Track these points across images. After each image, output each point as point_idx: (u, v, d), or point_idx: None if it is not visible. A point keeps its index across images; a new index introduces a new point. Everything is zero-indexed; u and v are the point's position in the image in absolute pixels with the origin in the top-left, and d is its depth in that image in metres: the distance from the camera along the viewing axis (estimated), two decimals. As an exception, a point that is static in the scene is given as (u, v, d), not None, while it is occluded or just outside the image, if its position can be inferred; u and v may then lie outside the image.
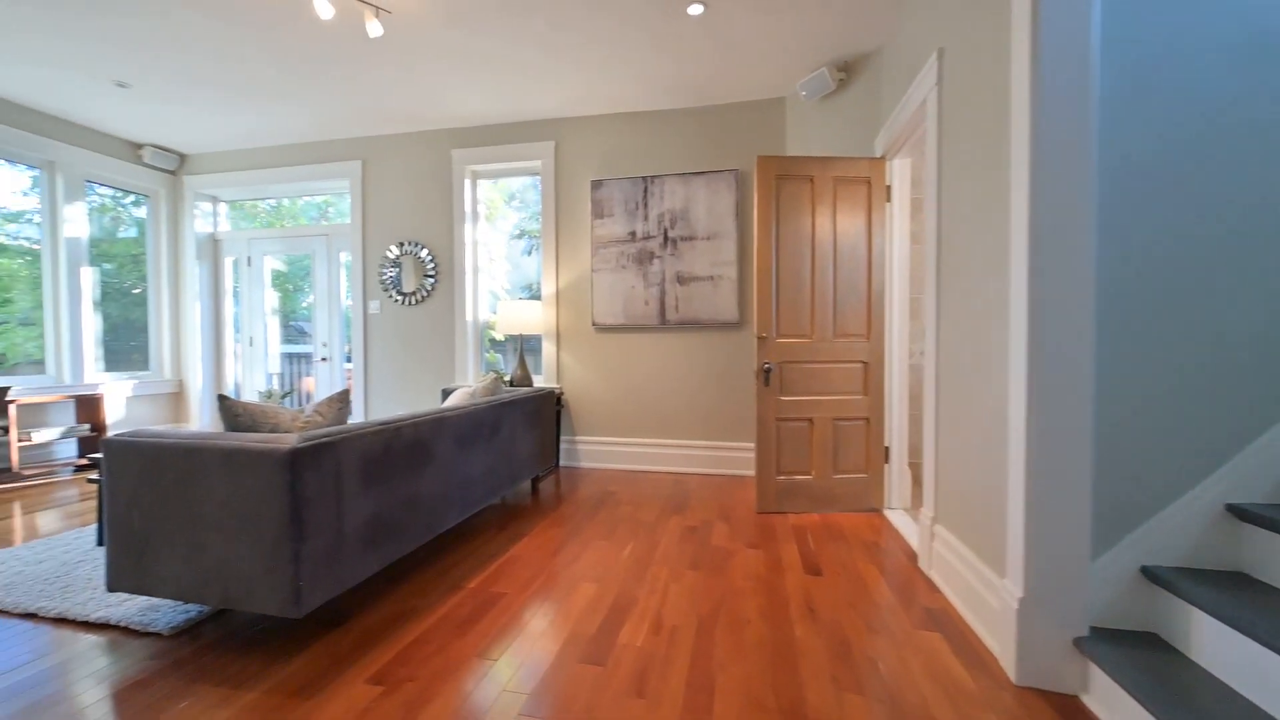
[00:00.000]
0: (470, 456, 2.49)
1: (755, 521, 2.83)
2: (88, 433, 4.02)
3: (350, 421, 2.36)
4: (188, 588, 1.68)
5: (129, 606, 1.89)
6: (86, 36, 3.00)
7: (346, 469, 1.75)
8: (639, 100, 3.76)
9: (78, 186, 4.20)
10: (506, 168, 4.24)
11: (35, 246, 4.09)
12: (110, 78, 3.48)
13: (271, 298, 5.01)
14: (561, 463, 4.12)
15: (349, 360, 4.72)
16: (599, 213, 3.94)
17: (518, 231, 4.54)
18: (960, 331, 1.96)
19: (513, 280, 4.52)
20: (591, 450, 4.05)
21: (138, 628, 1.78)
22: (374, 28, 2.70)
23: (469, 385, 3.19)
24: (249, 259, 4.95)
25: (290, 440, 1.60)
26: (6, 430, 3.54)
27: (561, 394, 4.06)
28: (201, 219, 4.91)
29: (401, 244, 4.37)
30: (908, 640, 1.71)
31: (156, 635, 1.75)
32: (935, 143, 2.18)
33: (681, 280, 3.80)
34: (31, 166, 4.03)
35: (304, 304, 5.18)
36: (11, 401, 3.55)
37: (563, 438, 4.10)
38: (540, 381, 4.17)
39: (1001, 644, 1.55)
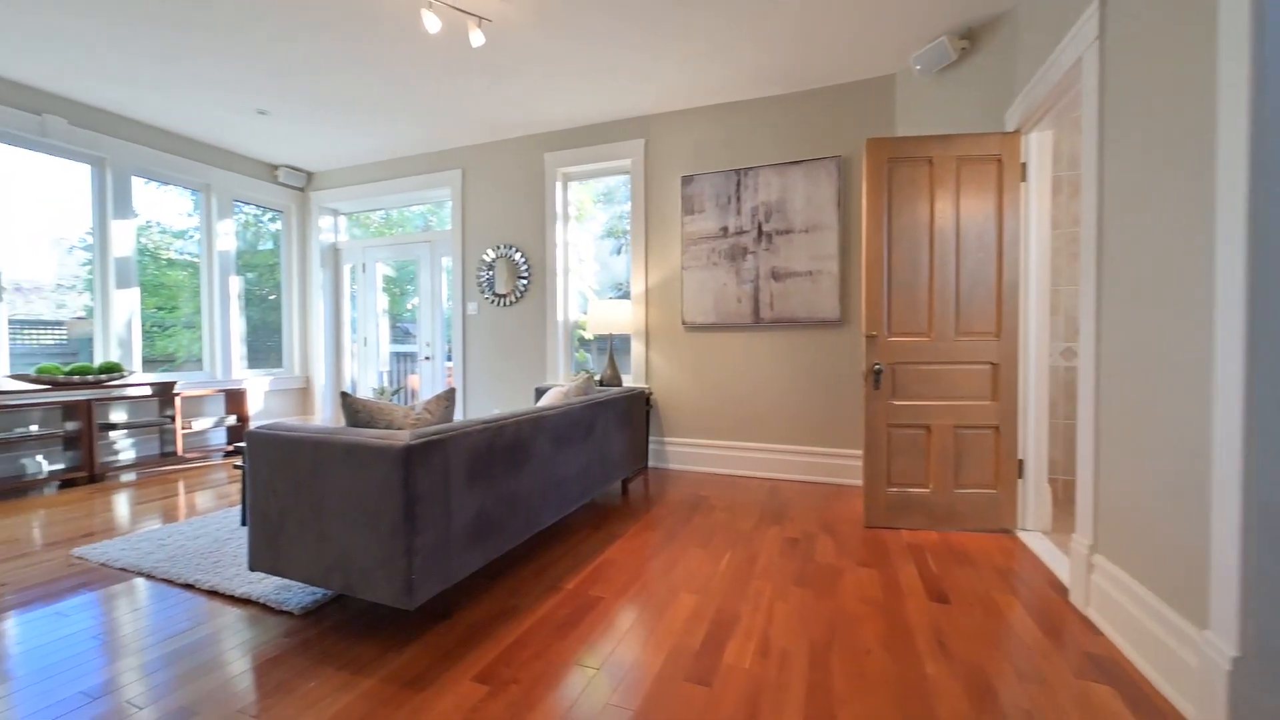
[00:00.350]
0: (565, 456, 2.49)
1: (863, 536, 2.60)
2: (234, 422, 4.54)
3: (453, 419, 2.44)
4: (314, 573, 1.79)
5: (266, 585, 2.06)
6: (234, 67, 3.36)
7: (454, 466, 1.79)
8: (732, 90, 3.62)
9: (227, 205, 4.76)
10: (596, 168, 4.26)
11: (195, 260, 4.69)
12: (253, 106, 3.89)
13: (382, 301, 5.41)
14: (650, 464, 4.07)
15: (449, 359, 4.98)
16: (689, 209, 3.84)
17: (606, 231, 4.57)
18: (1131, 326, 1.65)
19: (602, 280, 4.56)
20: (681, 452, 3.97)
21: (273, 605, 1.93)
22: (476, 37, 2.78)
23: (561, 384, 3.23)
24: (363, 266, 5.37)
25: (404, 437, 1.65)
26: (174, 419, 4.07)
27: (650, 394, 4.01)
28: (325, 230, 5.40)
29: (497, 247, 4.53)
30: (1068, 691, 1.45)
31: (288, 614, 1.89)
32: (1094, 108, 1.86)
33: (777, 276, 3.61)
34: (194, 191, 4.62)
35: (409, 306, 5.54)
36: (178, 394, 4.08)
37: (651, 438, 4.05)
38: (629, 381, 4.15)
39: (1203, 711, 1.26)
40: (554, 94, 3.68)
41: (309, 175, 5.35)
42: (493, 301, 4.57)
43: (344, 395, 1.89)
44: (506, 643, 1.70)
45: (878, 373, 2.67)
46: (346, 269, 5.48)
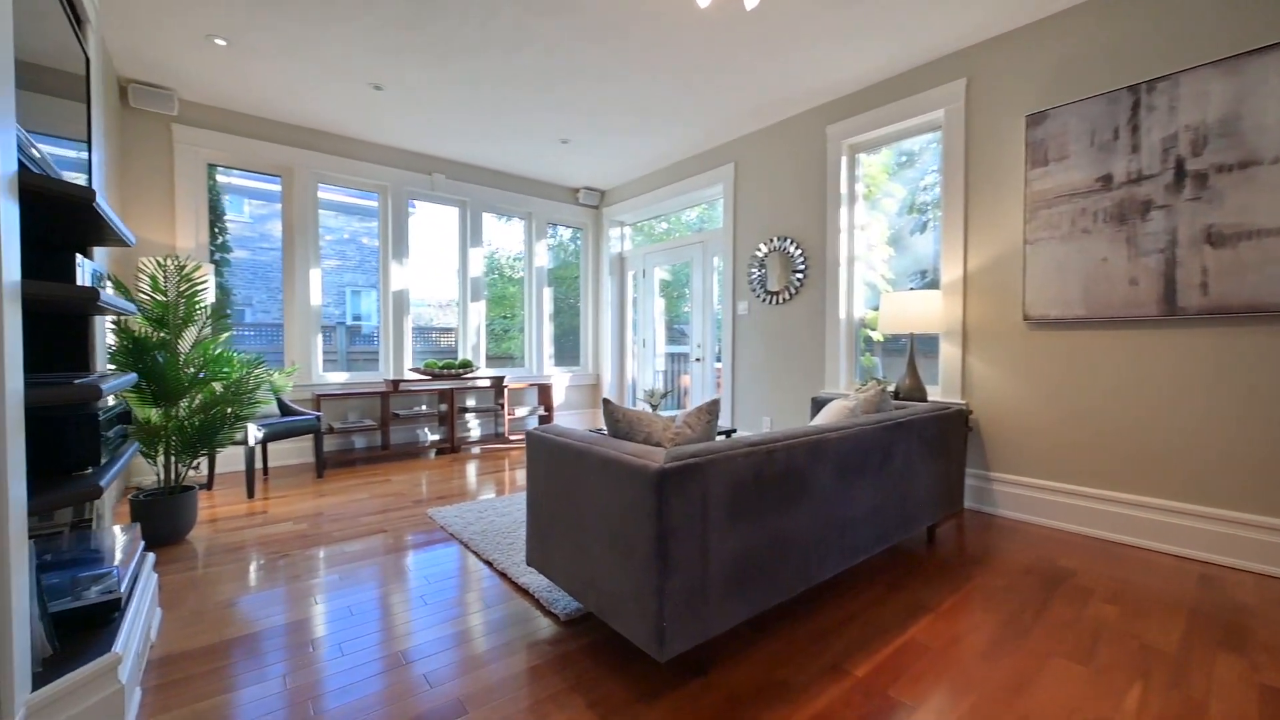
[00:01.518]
0: (853, 491, 1.93)
1: None
2: (542, 412, 5.33)
3: (718, 430, 2.15)
4: (573, 585, 1.70)
5: (541, 579, 2.12)
6: (541, 103, 3.82)
7: (714, 495, 1.47)
8: (1124, -33, 2.41)
9: (543, 229, 5.63)
10: (894, 131, 3.48)
11: (520, 276, 5.68)
12: (557, 137, 4.43)
13: (659, 304, 5.64)
14: (966, 504, 3.09)
15: (719, 360, 4.84)
16: (1039, 158, 2.75)
17: (905, 207, 3.71)
18: None
19: (896, 268, 3.72)
20: (1017, 495, 2.89)
21: (544, 603, 1.95)
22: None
23: (846, 396, 2.64)
24: (643, 271, 5.70)
25: (658, 458, 1.40)
26: (503, 407, 4.96)
27: (970, 413, 3.04)
28: (613, 242, 5.93)
29: (770, 241, 4.15)
30: None
31: (555, 617, 1.87)
32: None
33: (1216, 240, 2.25)
34: (521, 218, 5.60)
35: (685, 309, 5.63)
36: (506, 386, 4.96)
37: (968, 470, 3.07)
38: (936, 395, 3.25)
39: None
40: (840, 50, 3.09)
41: (602, 193, 5.95)
42: (764, 300, 4.21)
43: (606, 402, 1.77)
44: (774, 739, 1.29)
45: None
46: (630, 276, 5.91)
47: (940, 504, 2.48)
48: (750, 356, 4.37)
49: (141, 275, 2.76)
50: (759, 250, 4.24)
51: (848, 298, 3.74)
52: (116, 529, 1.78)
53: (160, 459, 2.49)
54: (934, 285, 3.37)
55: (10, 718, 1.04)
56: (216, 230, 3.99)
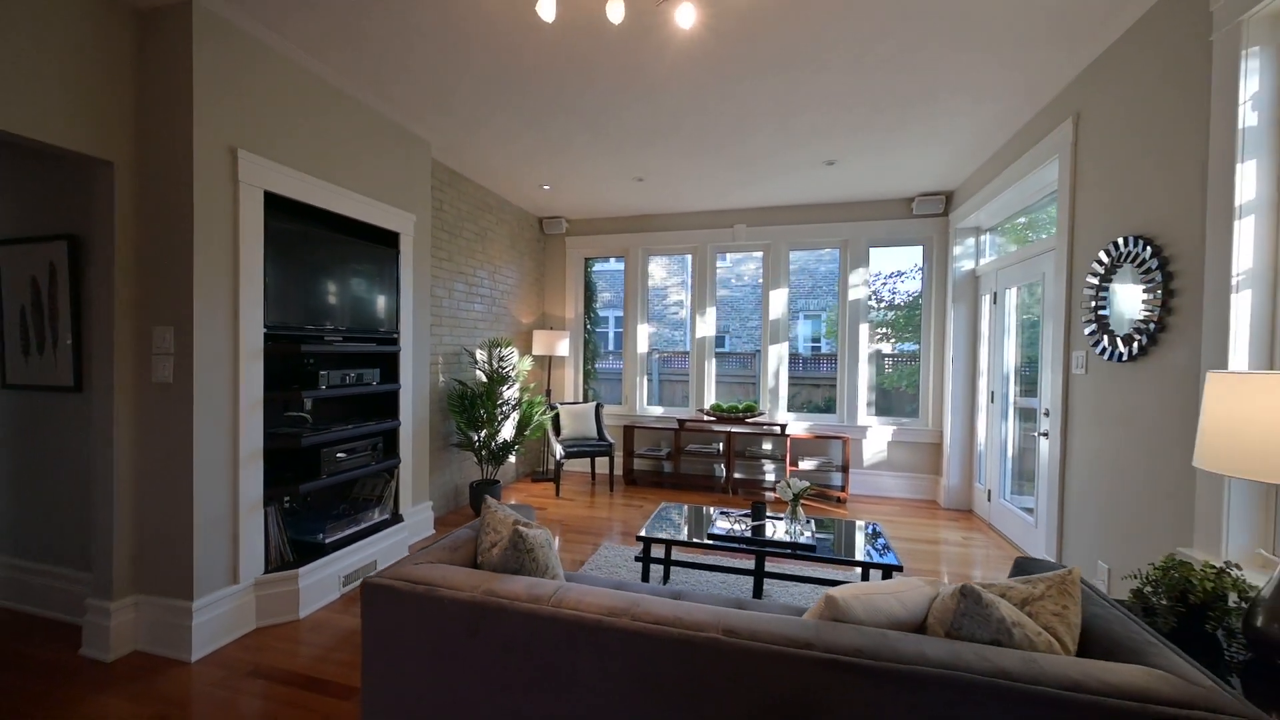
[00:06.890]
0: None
1: None
2: (834, 469, 4.64)
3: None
4: None
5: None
6: (803, 127, 3.54)
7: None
8: None
9: (860, 255, 4.86)
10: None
11: (901, 302, 5.09)
12: (821, 160, 3.88)
13: (1014, 338, 3.84)
14: None
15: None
16: None
17: None
18: None
19: None
20: None
21: None
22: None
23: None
24: (994, 295, 4.01)
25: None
26: (785, 457, 4.69)
27: None
28: (961, 257, 4.43)
29: (1116, 244, 2.29)
30: None
31: None
32: None
33: None
34: (834, 247, 5.04)
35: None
36: (787, 435, 4.67)
37: None
38: None
39: None
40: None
41: (947, 196, 4.54)
42: (1107, 353, 2.34)
43: (517, 533, 1.64)
44: None
45: None
46: (985, 302, 4.26)
47: None
48: (1088, 447, 2.52)
49: (480, 351, 4.53)
50: (1099, 263, 2.40)
51: (1252, 355, 1.67)
52: (398, 502, 3.26)
53: (479, 463, 4.10)
54: None
55: (238, 582, 2.40)
56: (590, 302, 5.77)
